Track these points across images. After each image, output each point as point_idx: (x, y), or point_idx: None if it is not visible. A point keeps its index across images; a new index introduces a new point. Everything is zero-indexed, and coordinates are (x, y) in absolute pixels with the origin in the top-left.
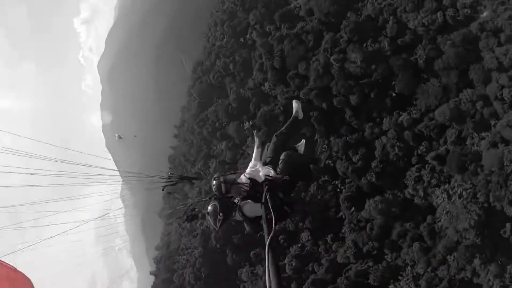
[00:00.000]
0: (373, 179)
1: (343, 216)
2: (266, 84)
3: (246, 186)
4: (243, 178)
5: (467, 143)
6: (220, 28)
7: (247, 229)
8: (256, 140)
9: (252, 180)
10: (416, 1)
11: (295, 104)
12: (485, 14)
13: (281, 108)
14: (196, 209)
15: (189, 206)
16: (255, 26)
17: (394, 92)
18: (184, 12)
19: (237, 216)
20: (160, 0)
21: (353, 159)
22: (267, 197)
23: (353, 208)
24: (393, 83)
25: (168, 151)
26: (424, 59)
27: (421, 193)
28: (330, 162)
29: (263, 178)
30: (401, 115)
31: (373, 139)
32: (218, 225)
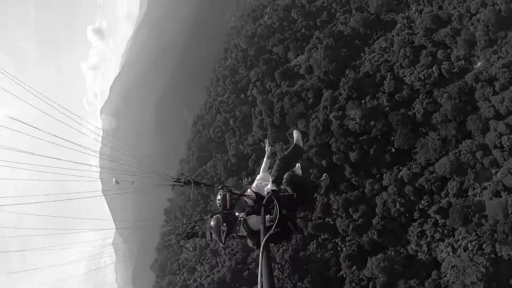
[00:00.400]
0: (375, 236)
1: (344, 275)
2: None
3: (251, 200)
4: (249, 191)
5: (469, 194)
6: (221, 83)
7: (250, 244)
8: (268, 149)
9: (257, 194)
10: (412, 56)
11: (295, 133)
12: (479, 64)
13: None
14: (196, 227)
15: (190, 223)
16: (256, 83)
17: (393, 148)
18: (187, 65)
19: (242, 231)
20: (165, 52)
21: (354, 216)
22: (273, 204)
23: (354, 266)
24: (392, 138)
25: (164, 203)
26: (422, 113)
27: (424, 248)
28: (330, 220)
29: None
30: (401, 170)
31: (373, 195)
32: (223, 237)
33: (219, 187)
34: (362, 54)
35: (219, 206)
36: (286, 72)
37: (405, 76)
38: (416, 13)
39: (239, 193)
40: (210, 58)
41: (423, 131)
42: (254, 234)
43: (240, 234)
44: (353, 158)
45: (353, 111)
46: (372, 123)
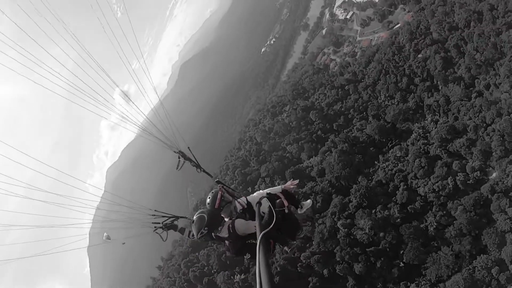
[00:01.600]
0: None
1: None
2: None
3: (241, 206)
4: (242, 198)
5: None
6: (231, 172)
7: (228, 251)
8: (266, 190)
9: (249, 204)
10: (427, 167)
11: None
12: (494, 175)
13: (278, 268)
14: (177, 222)
15: (172, 216)
16: (265, 179)
17: (402, 262)
18: (200, 148)
19: (223, 233)
20: (180, 132)
21: None
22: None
23: None
24: (401, 252)
25: (147, 281)
26: (435, 226)
27: None
28: None
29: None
30: (409, 287)
31: None
32: (199, 236)
33: (215, 180)
34: (376, 162)
35: (208, 204)
36: (297, 172)
37: (418, 187)
38: (432, 123)
39: (232, 195)
40: (224, 145)
41: (435, 246)
42: (234, 239)
43: (220, 235)
44: (357, 270)
45: (362, 220)
46: (381, 234)
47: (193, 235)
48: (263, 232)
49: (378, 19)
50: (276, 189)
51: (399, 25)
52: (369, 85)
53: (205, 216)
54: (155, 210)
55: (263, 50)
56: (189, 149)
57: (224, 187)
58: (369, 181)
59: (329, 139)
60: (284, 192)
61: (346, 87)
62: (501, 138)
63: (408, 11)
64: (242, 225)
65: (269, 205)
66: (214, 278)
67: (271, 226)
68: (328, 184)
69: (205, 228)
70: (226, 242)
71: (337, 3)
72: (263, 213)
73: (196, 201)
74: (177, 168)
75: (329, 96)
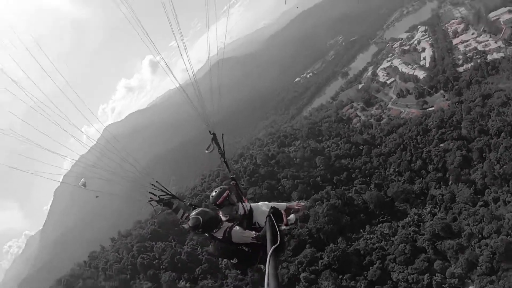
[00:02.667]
0: None
1: None
2: None
3: (243, 210)
4: (247, 203)
5: None
6: (219, 180)
7: (216, 250)
8: (271, 203)
9: (250, 211)
10: (409, 255)
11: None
12: None
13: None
14: (174, 202)
15: (171, 194)
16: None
17: None
18: (202, 143)
19: (218, 234)
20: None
21: None
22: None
23: None
24: None
25: (103, 242)
26: None
27: None
28: None
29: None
30: None
31: None
32: (192, 232)
33: (231, 175)
34: (361, 230)
35: (211, 197)
36: None
37: (393, 271)
38: (429, 214)
39: (239, 196)
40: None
41: None
42: (229, 243)
43: (215, 235)
44: None
45: (326, 282)
46: None
47: (188, 220)
48: (274, 246)
49: (416, 95)
50: (281, 206)
51: (433, 108)
52: (383, 153)
53: (200, 220)
54: (156, 181)
55: (297, 79)
56: (222, 137)
57: (236, 185)
58: (348, 246)
59: (325, 189)
60: (286, 210)
61: (361, 147)
62: (491, 256)
63: (447, 99)
64: (238, 234)
65: (273, 223)
66: (160, 275)
67: (280, 243)
68: (307, 232)
69: (199, 230)
70: (217, 242)
71: (383, 65)
72: (257, 224)
73: (176, 191)
74: (206, 150)
75: (341, 148)
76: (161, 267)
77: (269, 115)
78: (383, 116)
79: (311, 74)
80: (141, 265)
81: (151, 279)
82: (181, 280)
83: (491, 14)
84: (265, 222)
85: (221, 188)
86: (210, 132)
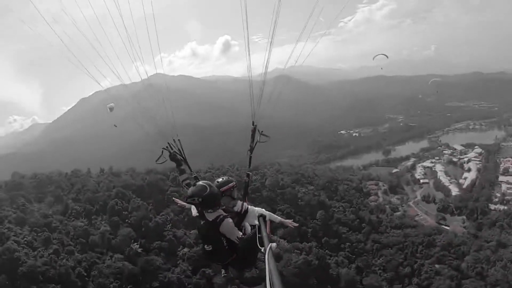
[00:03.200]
0: None
1: None
2: None
3: (239, 209)
4: (246, 205)
5: None
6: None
7: (198, 230)
8: (268, 212)
9: (245, 212)
10: None
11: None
12: None
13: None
14: (181, 158)
15: (182, 156)
16: None
17: None
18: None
19: (209, 216)
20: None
21: None
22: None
23: None
24: None
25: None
26: None
27: None
28: None
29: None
30: None
31: None
32: (189, 200)
33: (248, 171)
34: None
35: (217, 182)
36: None
37: None
38: None
39: (242, 195)
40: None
41: None
42: (215, 230)
43: (205, 214)
44: None
45: None
46: None
47: (188, 187)
48: (270, 244)
49: (439, 207)
50: (275, 218)
51: (448, 228)
52: (380, 243)
53: (207, 190)
54: (178, 140)
55: (342, 131)
56: (259, 131)
57: (247, 182)
58: None
59: (310, 243)
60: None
61: (364, 225)
62: None
63: (464, 227)
64: (229, 226)
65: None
66: (120, 227)
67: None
68: None
69: (199, 199)
70: (204, 223)
71: (425, 163)
72: (245, 229)
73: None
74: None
75: (346, 215)
76: (126, 220)
77: (300, 147)
78: (399, 209)
79: (357, 134)
80: (111, 208)
81: (111, 224)
82: (136, 243)
83: None
84: (256, 226)
85: (228, 178)
86: (253, 123)
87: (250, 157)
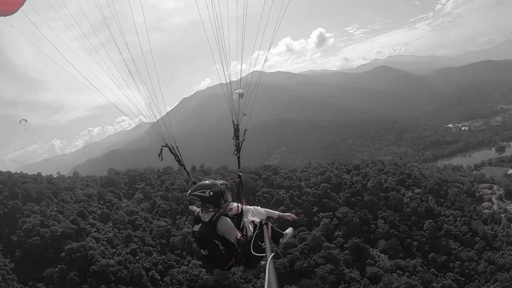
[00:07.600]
0: None
1: None
2: None
3: (236, 211)
4: (241, 206)
5: None
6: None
7: (194, 234)
8: (263, 209)
9: (241, 213)
10: None
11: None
12: None
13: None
14: (180, 159)
15: (180, 161)
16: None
17: None
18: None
19: (206, 215)
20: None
21: None
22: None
23: None
24: None
25: None
26: None
27: None
28: None
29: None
30: None
31: None
32: (192, 192)
33: (238, 172)
34: None
35: (219, 180)
36: None
37: None
38: None
39: (237, 197)
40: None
41: None
42: (210, 230)
43: (202, 216)
44: None
45: None
46: None
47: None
48: (273, 254)
49: None
50: (273, 213)
51: None
52: (494, 263)
53: (217, 185)
54: (176, 147)
55: (450, 125)
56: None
57: (239, 183)
58: None
59: (414, 260)
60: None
61: (477, 239)
62: None
63: None
64: (227, 224)
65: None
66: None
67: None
68: None
69: (210, 192)
70: (201, 225)
71: None
72: (245, 230)
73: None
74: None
75: (457, 227)
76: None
77: (402, 143)
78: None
79: (466, 128)
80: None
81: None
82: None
83: None
84: (257, 228)
85: (220, 181)
86: (234, 124)
87: (239, 158)
